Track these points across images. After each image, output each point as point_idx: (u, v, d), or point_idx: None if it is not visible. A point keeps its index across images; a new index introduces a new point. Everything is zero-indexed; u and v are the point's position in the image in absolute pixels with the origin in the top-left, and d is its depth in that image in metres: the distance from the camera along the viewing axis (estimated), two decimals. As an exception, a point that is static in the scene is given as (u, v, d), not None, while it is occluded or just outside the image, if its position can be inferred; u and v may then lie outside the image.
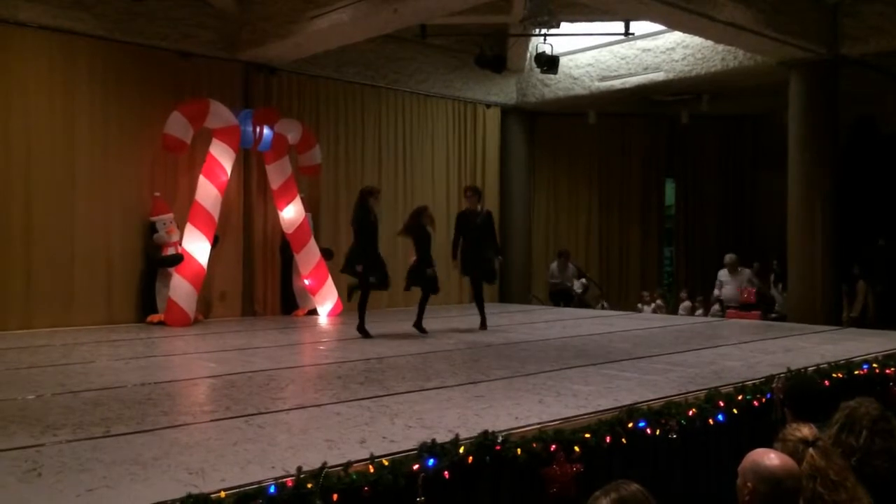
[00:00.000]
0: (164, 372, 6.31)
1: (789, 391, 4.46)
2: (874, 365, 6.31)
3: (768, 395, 5.09)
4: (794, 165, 10.68)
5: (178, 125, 9.39)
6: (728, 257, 12.17)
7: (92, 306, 9.39)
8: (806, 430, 2.86)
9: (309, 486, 3.07)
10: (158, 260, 9.66)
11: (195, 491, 2.93)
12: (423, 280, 8.68)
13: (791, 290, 10.95)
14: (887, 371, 6.30)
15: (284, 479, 3.10)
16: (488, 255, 9.29)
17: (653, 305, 13.60)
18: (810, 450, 2.78)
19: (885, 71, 11.46)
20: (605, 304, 13.85)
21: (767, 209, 14.44)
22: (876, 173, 12.87)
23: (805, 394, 4.43)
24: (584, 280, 14.02)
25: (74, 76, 9.31)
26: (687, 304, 13.54)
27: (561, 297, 13.70)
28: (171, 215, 9.79)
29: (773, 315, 11.99)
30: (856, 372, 6.06)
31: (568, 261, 13.89)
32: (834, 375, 5.79)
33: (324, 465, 3.17)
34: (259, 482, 3.12)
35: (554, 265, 13.95)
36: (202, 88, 10.06)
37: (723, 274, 12.14)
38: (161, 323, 9.39)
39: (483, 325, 9.14)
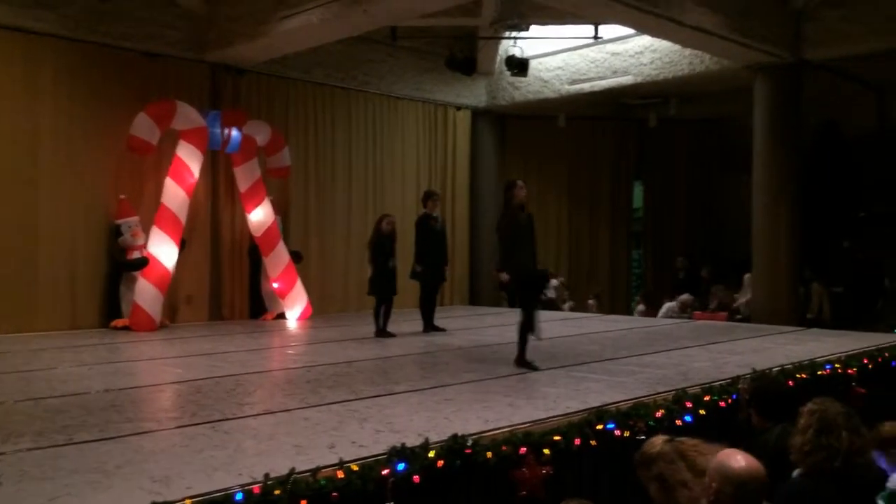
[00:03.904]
0: (128, 378, 6.21)
1: (754, 391, 4.52)
2: (837, 365, 6.41)
3: (734, 396, 5.15)
4: (759, 168, 10.83)
5: (143, 126, 9.26)
6: (686, 297, 12.49)
7: (55, 311, 9.22)
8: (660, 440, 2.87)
9: (276, 492, 3.04)
10: (123, 263, 9.52)
11: (160, 499, 2.89)
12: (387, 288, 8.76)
13: (756, 291, 11.10)
14: (849, 371, 6.41)
15: (251, 486, 3.07)
16: (445, 261, 9.54)
17: (569, 304, 13.79)
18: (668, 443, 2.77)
19: (847, 75, 11.67)
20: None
21: (734, 212, 14.63)
22: (839, 176, 13.09)
23: (770, 394, 4.49)
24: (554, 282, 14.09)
25: (37, 77, 9.13)
26: (641, 307, 13.84)
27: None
28: (136, 218, 9.65)
29: (739, 316, 12.16)
30: (819, 372, 6.16)
31: None
32: (798, 376, 5.88)
33: (292, 471, 3.15)
34: (226, 489, 3.09)
35: None
36: (169, 89, 9.92)
37: (672, 311, 12.43)
38: (126, 328, 9.25)
39: (435, 328, 9.21)
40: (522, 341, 6.51)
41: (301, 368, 6.64)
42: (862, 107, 13.16)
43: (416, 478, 3.44)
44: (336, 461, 3.38)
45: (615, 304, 14.81)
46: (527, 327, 6.51)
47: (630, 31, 11.46)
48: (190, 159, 9.73)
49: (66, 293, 9.35)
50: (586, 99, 13.24)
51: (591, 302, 13.95)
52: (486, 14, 11.08)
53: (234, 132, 10.18)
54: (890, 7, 9.56)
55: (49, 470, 3.49)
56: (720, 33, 9.56)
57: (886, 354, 7.09)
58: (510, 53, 11.44)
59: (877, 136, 12.95)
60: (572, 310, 13.48)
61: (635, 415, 4.54)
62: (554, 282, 13.94)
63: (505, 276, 6.54)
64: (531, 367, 6.41)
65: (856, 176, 13.00)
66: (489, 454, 3.73)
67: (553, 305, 13.65)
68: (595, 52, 12.64)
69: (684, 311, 12.32)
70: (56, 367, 6.59)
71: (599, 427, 4.31)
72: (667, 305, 12.82)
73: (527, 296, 6.73)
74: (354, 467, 3.34)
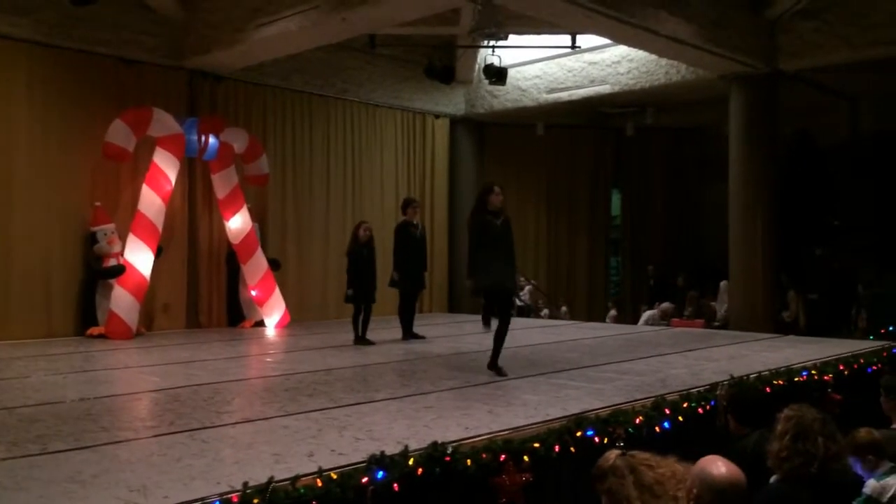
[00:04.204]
0: (104, 386, 6.14)
1: (732, 398, 4.57)
2: (813, 371, 6.49)
3: (712, 402, 5.19)
4: (735, 177, 10.95)
5: (119, 133, 9.17)
6: (667, 305, 12.56)
7: (29, 319, 9.08)
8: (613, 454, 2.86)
9: (255, 501, 3.02)
10: (99, 271, 9.41)
11: (136, 509, 2.85)
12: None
13: (732, 298, 11.21)
14: (825, 377, 6.48)
15: (230, 495, 3.04)
16: (425, 268, 9.55)
17: (546, 311, 13.88)
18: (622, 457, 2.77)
19: (820, 86, 11.83)
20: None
21: (711, 219, 14.77)
22: (812, 185, 13.27)
23: (747, 400, 4.54)
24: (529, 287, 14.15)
25: (11, 83, 9.02)
26: (613, 312, 14.02)
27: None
28: (112, 225, 9.56)
29: (716, 323, 12.26)
30: (795, 379, 6.23)
31: None
32: (775, 382, 5.94)
33: (270, 480, 3.12)
34: (203, 498, 3.06)
35: None
36: (145, 96, 9.84)
37: (653, 318, 12.52)
38: (102, 336, 9.13)
39: (415, 336, 9.18)
40: (497, 348, 6.52)
41: (280, 376, 6.59)
42: (835, 116, 13.36)
43: (395, 486, 3.43)
44: (315, 469, 3.35)
45: (593, 311, 14.89)
46: (502, 335, 6.49)
47: (607, 40, 11.56)
48: (167, 166, 9.65)
49: (40, 301, 9.22)
50: (564, 108, 13.33)
51: (564, 309, 14.03)
52: (464, 23, 11.10)
53: (212, 139, 10.10)
54: (863, 18, 9.73)
55: (23, 480, 3.43)
56: (694, 43, 9.67)
57: (862, 361, 7.19)
58: (488, 62, 11.49)
59: (850, 145, 13.15)
60: (550, 317, 13.54)
61: (615, 421, 4.56)
62: (527, 286, 14.00)
63: (468, 284, 6.57)
64: (500, 372, 6.44)
65: (829, 185, 13.19)
66: (469, 461, 3.72)
67: (528, 311, 13.70)
68: (572, 62, 12.75)
69: (664, 319, 12.42)
70: (30, 376, 6.49)
71: (579, 434, 4.32)
72: (648, 313, 12.91)
73: (498, 307, 6.71)
74: (334, 475, 3.32)
